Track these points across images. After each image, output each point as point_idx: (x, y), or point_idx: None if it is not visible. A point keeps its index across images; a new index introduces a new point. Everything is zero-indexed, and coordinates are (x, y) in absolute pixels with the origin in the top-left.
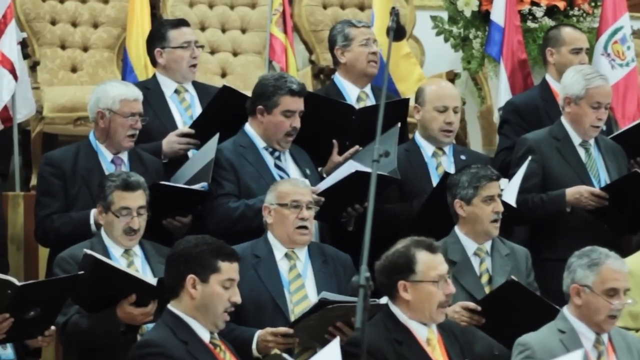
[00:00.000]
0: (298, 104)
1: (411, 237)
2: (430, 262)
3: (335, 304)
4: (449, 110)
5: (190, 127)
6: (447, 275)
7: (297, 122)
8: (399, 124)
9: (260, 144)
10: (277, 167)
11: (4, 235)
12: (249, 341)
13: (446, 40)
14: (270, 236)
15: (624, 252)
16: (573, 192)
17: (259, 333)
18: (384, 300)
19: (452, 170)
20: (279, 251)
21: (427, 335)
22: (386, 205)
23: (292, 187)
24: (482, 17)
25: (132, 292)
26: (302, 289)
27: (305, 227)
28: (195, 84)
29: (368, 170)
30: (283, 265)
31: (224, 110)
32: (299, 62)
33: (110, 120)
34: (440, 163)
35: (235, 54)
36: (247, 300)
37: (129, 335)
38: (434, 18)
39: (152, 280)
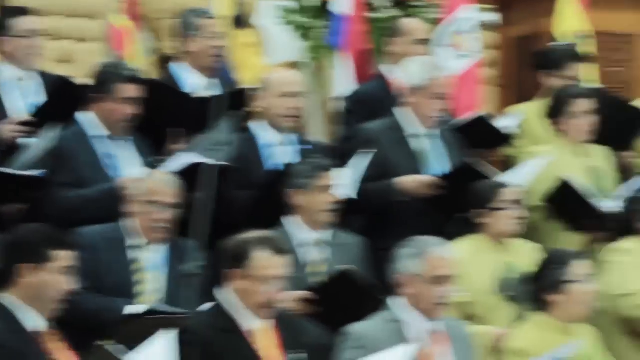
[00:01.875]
0: (134, 90)
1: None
2: (267, 262)
3: (162, 314)
4: (293, 97)
5: (31, 115)
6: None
7: (134, 109)
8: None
9: (97, 132)
10: (113, 155)
11: None
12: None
13: (290, 29)
14: (130, 223)
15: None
16: (408, 180)
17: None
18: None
19: (292, 159)
20: (134, 240)
21: (257, 325)
22: (234, 192)
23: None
24: (328, 8)
25: None
26: (145, 282)
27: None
28: (38, 72)
29: (205, 160)
30: (133, 254)
31: (63, 100)
32: (145, 51)
33: None
34: (280, 152)
35: (79, 41)
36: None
37: None
38: (278, 7)
39: None
